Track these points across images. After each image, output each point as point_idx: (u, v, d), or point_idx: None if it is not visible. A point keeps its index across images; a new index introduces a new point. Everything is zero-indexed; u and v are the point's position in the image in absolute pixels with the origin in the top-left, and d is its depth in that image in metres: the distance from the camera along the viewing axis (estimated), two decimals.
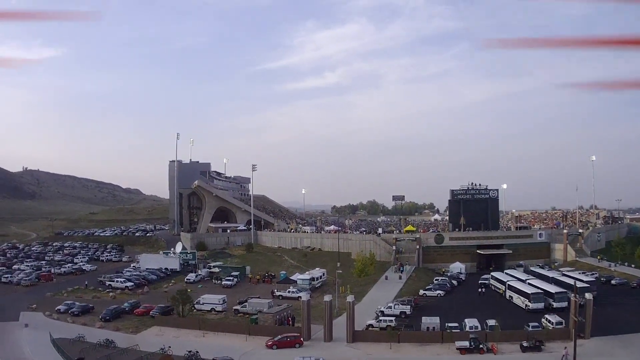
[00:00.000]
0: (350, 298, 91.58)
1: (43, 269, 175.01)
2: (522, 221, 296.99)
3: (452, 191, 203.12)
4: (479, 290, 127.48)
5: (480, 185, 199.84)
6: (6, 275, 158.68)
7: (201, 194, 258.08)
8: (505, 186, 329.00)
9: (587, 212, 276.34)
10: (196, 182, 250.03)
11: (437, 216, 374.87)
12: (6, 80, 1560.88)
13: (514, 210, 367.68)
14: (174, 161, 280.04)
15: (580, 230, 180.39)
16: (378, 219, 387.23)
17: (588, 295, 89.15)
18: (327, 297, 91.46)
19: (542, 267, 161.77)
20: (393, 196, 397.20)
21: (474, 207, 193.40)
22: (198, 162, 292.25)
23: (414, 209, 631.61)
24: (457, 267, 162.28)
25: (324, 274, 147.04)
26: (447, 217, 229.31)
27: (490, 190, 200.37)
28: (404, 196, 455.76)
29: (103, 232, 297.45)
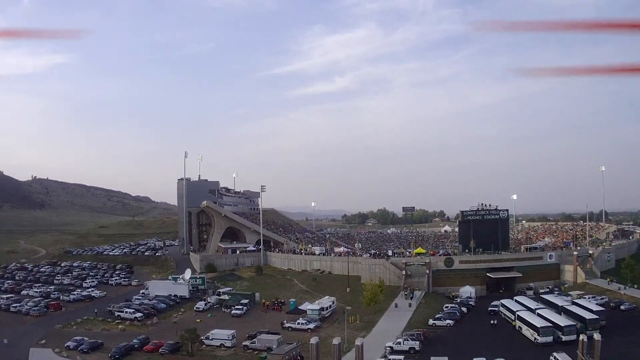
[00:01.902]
0: (359, 341, 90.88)
1: (52, 295, 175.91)
2: (532, 233, 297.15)
3: (462, 212, 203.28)
4: (492, 322, 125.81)
5: (490, 205, 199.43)
6: (15, 305, 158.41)
7: (210, 214, 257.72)
8: (515, 197, 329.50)
9: (597, 225, 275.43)
10: (204, 202, 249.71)
11: (447, 227, 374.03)
12: (14, 88, 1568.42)
13: (524, 222, 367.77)
14: (182, 179, 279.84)
15: (591, 252, 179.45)
16: (388, 230, 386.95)
17: (596, 336, 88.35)
18: (335, 340, 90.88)
19: (552, 291, 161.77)
20: (403, 207, 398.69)
21: (484, 228, 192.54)
22: (207, 180, 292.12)
23: (424, 217, 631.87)
24: (467, 291, 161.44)
25: (333, 302, 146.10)
26: (457, 228, 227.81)
27: (500, 210, 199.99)
28: (413, 207, 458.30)
29: (112, 250, 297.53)
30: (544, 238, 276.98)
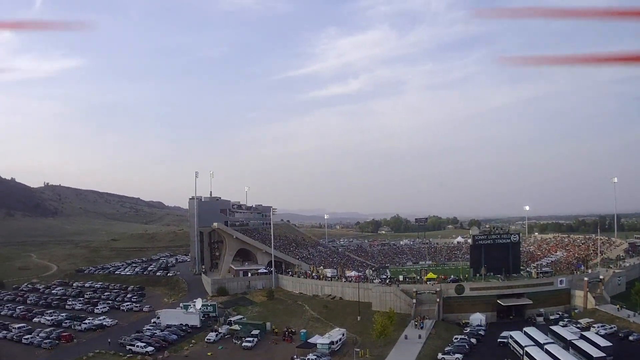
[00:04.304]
0: None
1: (64, 324, 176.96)
2: (544, 246, 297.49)
3: (473, 237, 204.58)
4: None
5: (502, 229, 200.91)
6: (27, 337, 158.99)
7: (222, 235, 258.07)
8: (527, 208, 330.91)
9: (608, 240, 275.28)
10: (215, 224, 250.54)
11: (459, 238, 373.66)
12: (25, 93, 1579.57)
13: (536, 234, 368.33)
14: (193, 198, 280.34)
15: (601, 277, 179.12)
16: (401, 242, 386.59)
17: None
18: None
19: (561, 317, 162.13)
20: (416, 219, 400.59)
21: (495, 252, 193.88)
22: (218, 199, 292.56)
23: (438, 224, 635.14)
24: (477, 318, 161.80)
25: (343, 335, 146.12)
26: (470, 241, 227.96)
27: (511, 234, 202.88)
28: (426, 219, 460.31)
29: (125, 269, 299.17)
30: (556, 252, 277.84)
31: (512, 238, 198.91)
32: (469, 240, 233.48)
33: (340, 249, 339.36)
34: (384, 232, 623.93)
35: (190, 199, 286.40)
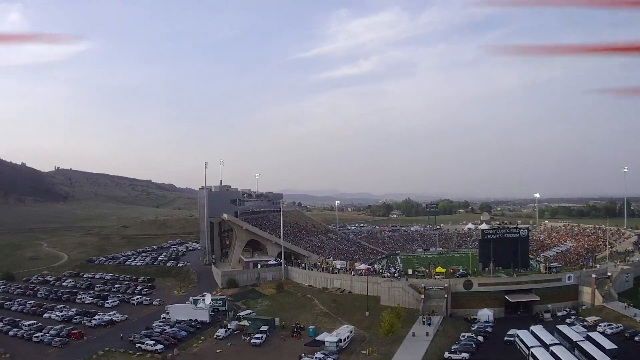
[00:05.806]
0: None
1: (74, 320, 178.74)
2: (554, 234, 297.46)
3: (482, 231, 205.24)
4: None
5: (510, 223, 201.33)
6: (37, 335, 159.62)
7: (231, 225, 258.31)
8: (538, 195, 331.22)
9: (618, 231, 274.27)
10: (225, 215, 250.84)
11: (470, 225, 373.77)
12: (35, 76, 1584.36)
13: (546, 222, 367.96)
14: (203, 188, 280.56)
15: (609, 273, 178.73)
16: (412, 228, 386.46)
17: None
18: None
19: (569, 314, 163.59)
20: (426, 205, 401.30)
21: (504, 247, 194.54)
22: (228, 188, 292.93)
23: (449, 208, 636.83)
24: (485, 314, 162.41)
25: (351, 332, 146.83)
26: (480, 229, 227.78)
27: (520, 229, 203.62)
28: (437, 205, 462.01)
29: (135, 258, 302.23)
30: (565, 241, 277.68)
31: (520, 233, 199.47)
32: (480, 227, 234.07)
33: (351, 235, 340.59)
34: (395, 215, 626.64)
35: (200, 188, 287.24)
